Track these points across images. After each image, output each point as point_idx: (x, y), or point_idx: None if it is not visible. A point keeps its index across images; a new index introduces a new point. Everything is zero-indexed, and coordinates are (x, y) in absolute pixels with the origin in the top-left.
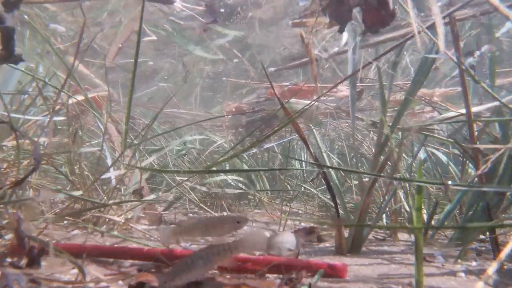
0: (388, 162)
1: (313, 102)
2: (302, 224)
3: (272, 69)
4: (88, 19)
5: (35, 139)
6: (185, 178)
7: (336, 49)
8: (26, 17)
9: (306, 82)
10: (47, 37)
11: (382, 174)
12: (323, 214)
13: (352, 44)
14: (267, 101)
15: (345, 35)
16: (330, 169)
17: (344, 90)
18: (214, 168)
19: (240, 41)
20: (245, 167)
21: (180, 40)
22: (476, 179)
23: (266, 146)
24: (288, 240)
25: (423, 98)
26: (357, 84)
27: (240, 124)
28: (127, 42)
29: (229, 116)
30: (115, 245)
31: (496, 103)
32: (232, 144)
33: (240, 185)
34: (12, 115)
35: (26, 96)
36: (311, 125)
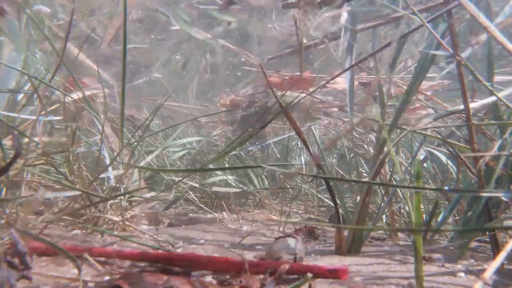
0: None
1: (304, 96)
2: (302, 223)
3: (268, 57)
4: (81, 4)
5: (35, 138)
6: (184, 178)
7: (332, 29)
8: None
9: (306, 71)
10: (39, 20)
11: (378, 182)
12: (323, 214)
13: (348, 32)
14: (264, 93)
15: (343, 16)
16: (330, 169)
17: (341, 81)
18: (211, 166)
19: (237, 31)
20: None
21: (181, 24)
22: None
23: (262, 143)
24: (290, 246)
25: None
26: (363, 76)
27: (234, 120)
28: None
29: (225, 110)
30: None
31: (493, 98)
32: (226, 141)
33: (240, 185)
34: (10, 114)
35: (22, 94)
36: (307, 123)
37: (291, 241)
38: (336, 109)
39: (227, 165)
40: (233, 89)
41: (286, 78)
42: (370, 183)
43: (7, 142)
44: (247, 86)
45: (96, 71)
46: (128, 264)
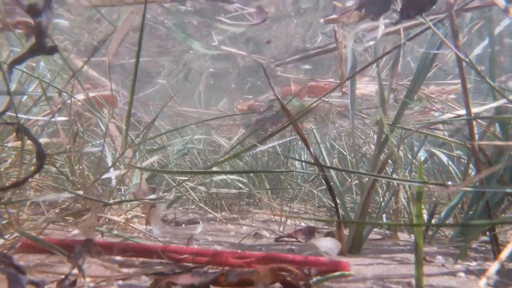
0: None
1: (317, 102)
2: (302, 223)
3: (276, 62)
4: (85, 16)
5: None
6: (185, 178)
7: (371, 42)
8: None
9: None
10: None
11: (382, 175)
12: (323, 214)
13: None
14: (284, 100)
15: (380, 30)
16: (331, 169)
17: (362, 88)
18: (216, 169)
19: (243, 35)
20: (244, 166)
21: (181, 36)
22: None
23: (266, 146)
24: (326, 245)
25: (433, 96)
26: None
27: (249, 123)
28: (126, 39)
29: (241, 114)
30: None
31: (502, 101)
32: (238, 145)
33: (240, 184)
34: (13, 114)
35: (26, 96)
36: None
37: (323, 241)
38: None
39: (228, 166)
40: (239, 97)
41: (305, 86)
42: (374, 176)
43: (7, 143)
44: (268, 92)
45: (99, 79)
46: (140, 261)
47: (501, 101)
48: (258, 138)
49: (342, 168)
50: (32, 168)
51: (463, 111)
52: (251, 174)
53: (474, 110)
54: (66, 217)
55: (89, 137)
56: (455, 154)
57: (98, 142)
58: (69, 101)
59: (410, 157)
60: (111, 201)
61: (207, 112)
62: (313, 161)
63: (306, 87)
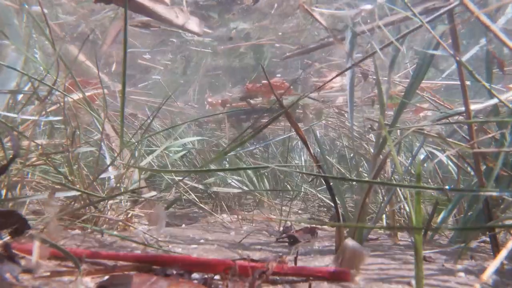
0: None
1: (300, 97)
2: (302, 224)
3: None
4: (83, 7)
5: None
6: (184, 177)
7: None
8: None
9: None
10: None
11: (377, 181)
12: (323, 214)
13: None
14: (249, 98)
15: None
16: (330, 169)
17: (338, 80)
18: (213, 166)
19: (240, 32)
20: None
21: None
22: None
23: (264, 143)
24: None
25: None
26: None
27: (240, 118)
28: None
29: (225, 110)
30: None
31: (495, 100)
32: (230, 141)
33: (240, 185)
34: (9, 114)
35: (22, 95)
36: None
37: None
38: (336, 110)
39: (227, 165)
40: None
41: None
42: (371, 182)
43: (8, 142)
44: (236, 87)
45: (96, 72)
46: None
47: (498, 99)
48: (249, 136)
49: (341, 168)
50: (27, 164)
51: (460, 110)
52: (251, 173)
53: (473, 107)
54: (65, 217)
55: (85, 137)
56: (452, 153)
57: (93, 140)
58: (63, 100)
59: (409, 159)
60: (111, 201)
61: (191, 108)
62: (312, 160)
63: (262, 86)
